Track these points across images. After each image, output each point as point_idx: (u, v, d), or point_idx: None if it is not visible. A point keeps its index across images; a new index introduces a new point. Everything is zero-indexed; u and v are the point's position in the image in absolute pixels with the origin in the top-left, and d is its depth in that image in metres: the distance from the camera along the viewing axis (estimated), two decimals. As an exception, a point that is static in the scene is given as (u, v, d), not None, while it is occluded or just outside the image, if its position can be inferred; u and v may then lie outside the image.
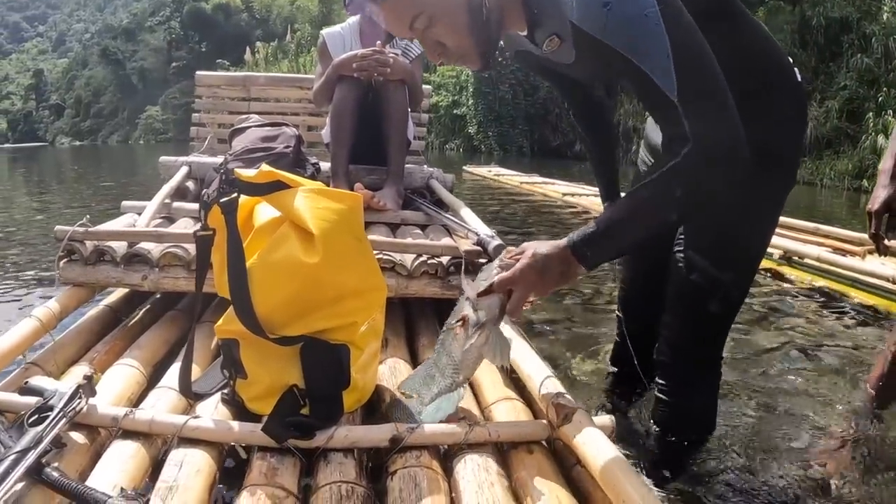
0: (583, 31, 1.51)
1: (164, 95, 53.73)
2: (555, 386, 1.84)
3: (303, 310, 1.70)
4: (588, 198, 9.34)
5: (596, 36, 1.48)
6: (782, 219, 6.08)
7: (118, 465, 1.58)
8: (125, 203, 3.29)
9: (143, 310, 2.84)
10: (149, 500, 1.43)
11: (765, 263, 5.20)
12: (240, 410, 1.84)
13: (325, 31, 4.09)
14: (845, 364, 3.19)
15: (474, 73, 24.03)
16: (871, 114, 15.93)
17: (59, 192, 12.93)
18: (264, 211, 1.78)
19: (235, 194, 1.69)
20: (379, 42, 3.55)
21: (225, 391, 1.91)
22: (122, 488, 1.45)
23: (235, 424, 1.69)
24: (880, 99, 15.91)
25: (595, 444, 1.56)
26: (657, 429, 2.23)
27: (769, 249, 5.18)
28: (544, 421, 1.77)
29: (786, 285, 4.83)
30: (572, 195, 9.88)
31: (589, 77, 1.97)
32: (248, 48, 40.64)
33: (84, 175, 17.70)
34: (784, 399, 2.75)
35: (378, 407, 1.94)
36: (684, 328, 2.10)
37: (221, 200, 1.68)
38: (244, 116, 3.95)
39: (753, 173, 1.64)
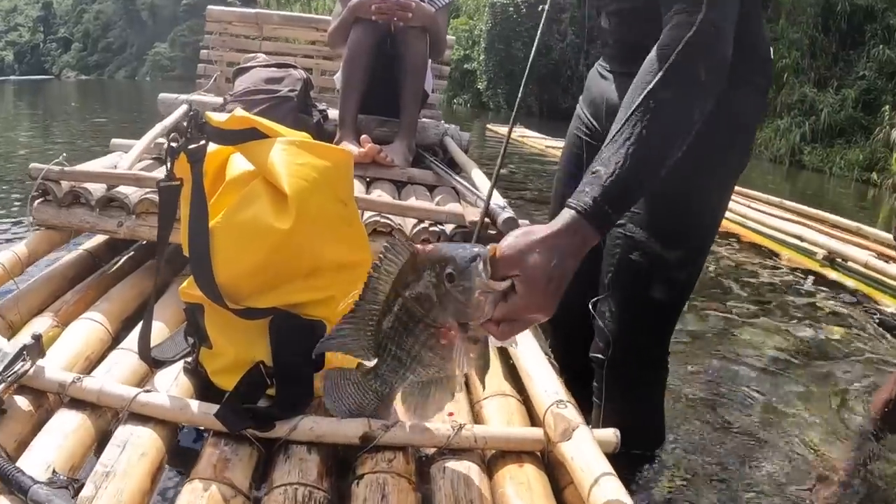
0: None
1: (173, 33, 53.02)
2: (557, 391, 1.59)
3: (272, 280, 1.48)
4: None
5: None
6: (823, 214, 6.01)
7: (59, 438, 1.40)
8: (115, 141, 3.08)
9: (125, 257, 2.63)
10: (83, 485, 1.25)
11: (807, 263, 4.95)
12: (202, 383, 1.65)
13: None
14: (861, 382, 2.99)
15: (488, 29, 23.57)
16: (887, 107, 15.75)
17: (51, 126, 12.60)
18: (239, 162, 1.55)
19: (203, 141, 1.46)
20: None
21: (188, 360, 1.71)
22: (53, 470, 1.28)
23: (191, 403, 1.48)
24: None
25: (595, 470, 1.33)
26: None
27: (812, 248, 4.92)
28: (540, 430, 1.54)
29: (822, 288, 4.55)
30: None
31: None
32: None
33: (81, 110, 17.39)
34: (778, 418, 2.55)
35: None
36: (622, 319, 1.82)
37: (189, 148, 1.45)
38: (250, 55, 3.71)
39: (716, 135, 1.48)
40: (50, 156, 2.34)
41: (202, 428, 1.52)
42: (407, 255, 1.21)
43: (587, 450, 1.39)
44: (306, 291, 1.52)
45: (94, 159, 2.73)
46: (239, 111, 1.51)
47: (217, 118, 1.48)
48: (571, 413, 1.50)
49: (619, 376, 1.86)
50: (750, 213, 6.00)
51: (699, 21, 1.22)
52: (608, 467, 1.33)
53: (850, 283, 4.51)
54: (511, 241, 1.12)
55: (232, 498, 1.29)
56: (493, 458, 1.52)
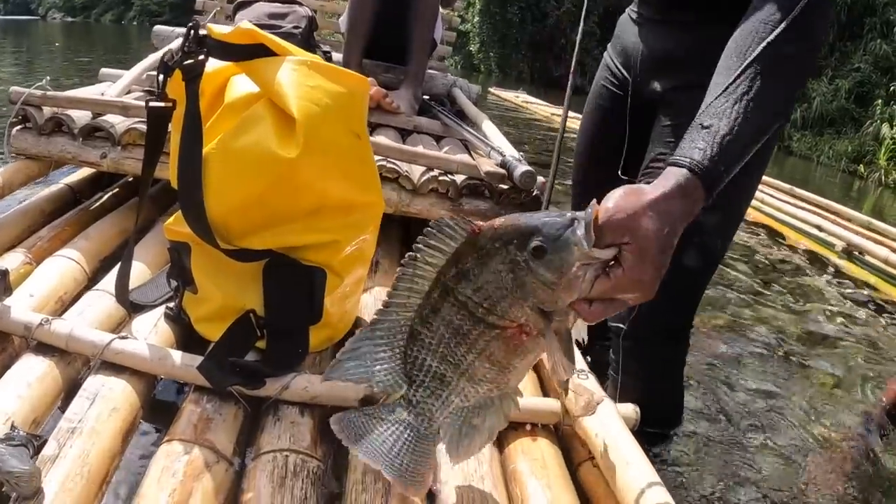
0: None
1: (163, -24, 51.90)
2: (577, 359, 1.44)
3: (270, 218, 1.31)
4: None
5: None
6: (836, 206, 6.04)
7: (22, 387, 1.25)
8: (104, 70, 2.90)
9: (109, 193, 2.46)
10: (45, 443, 1.11)
11: (826, 253, 4.84)
12: (185, 331, 1.50)
13: None
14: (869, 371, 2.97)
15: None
16: (879, 101, 16.09)
17: (34, 63, 12.04)
18: (241, 84, 1.38)
19: (202, 56, 1.28)
20: None
21: (170, 305, 1.55)
22: (12, 425, 1.13)
23: (172, 353, 1.33)
24: (892, 88, 16.10)
25: (624, 451, 1.22)
26: None
27: (831, 239, 4.85)
28: (557, 402, 1.41)
29: (836, 279, 4.48)
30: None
31: None
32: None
33: (64, 50, 16.79)
34: (788, 403, 2.50)
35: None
36: None
37: (184, 63, 1.28)
38: (253, -11, 3.53)
39: None
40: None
41: (183, 382, 1.37)
42: (461, 235, 0.98)
43: (613, 427, 1.28)
44: (308, 233, 1.35)
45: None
46: (246, 23, 1.33)
47: (220, 30, 1.30)
48: (593, 385, 1.39)
49: (639, 348, 1.75)
50: (766, 198, 5.94)
51: None
52: (637, 449, 1.23)
53: (867, 277, 4.44)
54: (618, 201, 0.93)
55: (214, 464, 1.13)
56: (504, 431, 1.35)
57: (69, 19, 57.52)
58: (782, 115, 1.12)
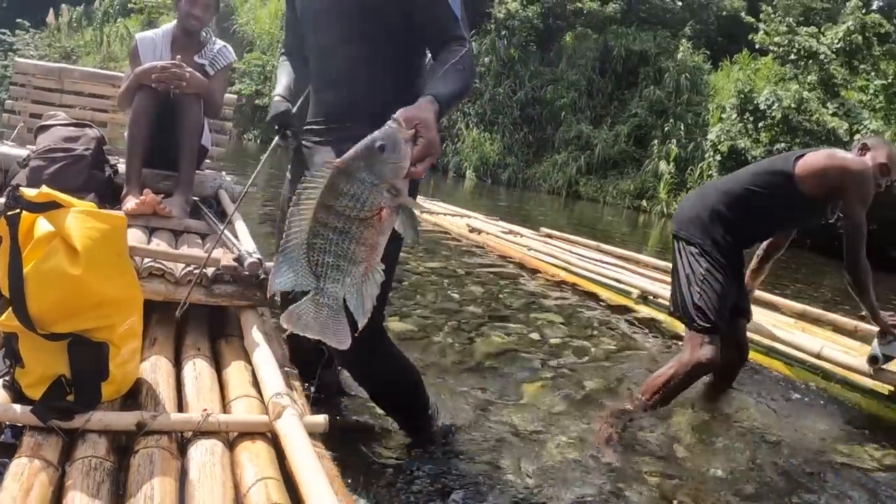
0: None
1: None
2: (278, 385, 2.22)
3: (69, 311, 2.02)
4: (498, 237, 7.84)
5: None
6: (637, 255, 7.01)
7: None
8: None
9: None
10: None
11: (627, 301, 5.64)
12: (18, 395, 2.10)
13: (138, 36, 4.26)
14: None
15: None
16: (656, 141, 17.43)
17: None
18: (43, 224, 2.07)
19: (19, 210, 1.99)
20: (179, 56, 3.81)
21: (6, 378, 2.16)
22: None
23: (11, 406, 1.99)
24: (666, 128, 17.47)
25: (294, 440, 1.95)
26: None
27: (627, 288, 5.62)
28: (266, 416, 2.14)
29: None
30: (479, 231, 8.14)
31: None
32: (52, 10, 34.09)
33: None
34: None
35: (137, 398, 2.23)
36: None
37: (7, 214, 1.98)
38: (52, 112, 4.10)
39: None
40: None
41: (20, 425, 1.99)
42: (327, 175, 1.59)
43: (294, 430, 2.01)
44: (94, 320, 2.06)
45: None
46: (44, 188, 2.05)
47: (29, 193, 2.01)
48: (286, 401, 2.12)
49: (364, 342, 2.13)
50: (571, 258, 6.62)
51: (465, 49, 2.18)
52: (303, 437, 1.97)
53: (657, 315, 5.25)
54: (409, 109, 1.82)
55: (45, 468, 1.79)
56: (236, 439, 2.09)
57: None
58: (463, 95, 2.18)
